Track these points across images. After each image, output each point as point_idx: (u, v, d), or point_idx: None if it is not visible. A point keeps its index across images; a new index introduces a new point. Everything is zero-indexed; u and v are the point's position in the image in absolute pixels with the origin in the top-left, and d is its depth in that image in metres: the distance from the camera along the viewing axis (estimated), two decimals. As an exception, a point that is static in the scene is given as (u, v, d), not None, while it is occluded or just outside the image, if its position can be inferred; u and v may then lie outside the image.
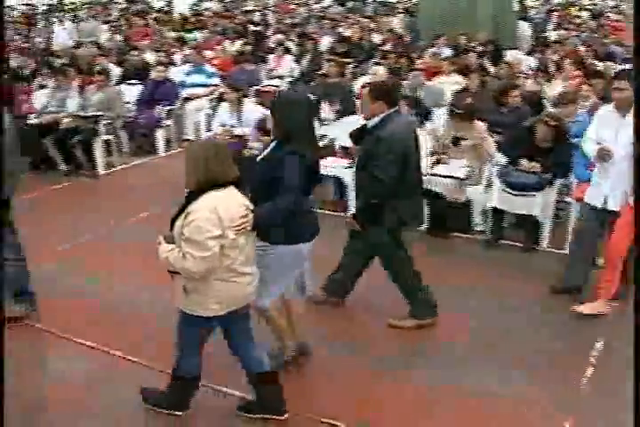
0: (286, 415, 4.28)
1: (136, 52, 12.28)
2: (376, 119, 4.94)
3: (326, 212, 7.62)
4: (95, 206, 8.04)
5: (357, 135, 5.25)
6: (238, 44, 15.08)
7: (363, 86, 5.03)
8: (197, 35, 17.92)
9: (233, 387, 4.55)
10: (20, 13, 27.45)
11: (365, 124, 5.12)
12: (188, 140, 9.61)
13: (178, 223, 3.76)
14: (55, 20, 20.90)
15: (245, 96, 9.07)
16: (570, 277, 5.84)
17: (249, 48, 14.00)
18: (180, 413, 4.28)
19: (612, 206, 5.43)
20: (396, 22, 19.24)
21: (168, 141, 10.85)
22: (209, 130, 9.07)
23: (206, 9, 25.22)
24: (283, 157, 4.19)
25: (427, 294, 5.36)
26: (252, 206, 3.95)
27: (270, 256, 4.30)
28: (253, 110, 8.36)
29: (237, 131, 8.30)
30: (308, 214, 4.47)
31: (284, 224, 4.23)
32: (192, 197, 3.76)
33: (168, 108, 10.60)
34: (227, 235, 3.72)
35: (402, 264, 5.29)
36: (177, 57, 13.67)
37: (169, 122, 10.78)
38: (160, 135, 10.60)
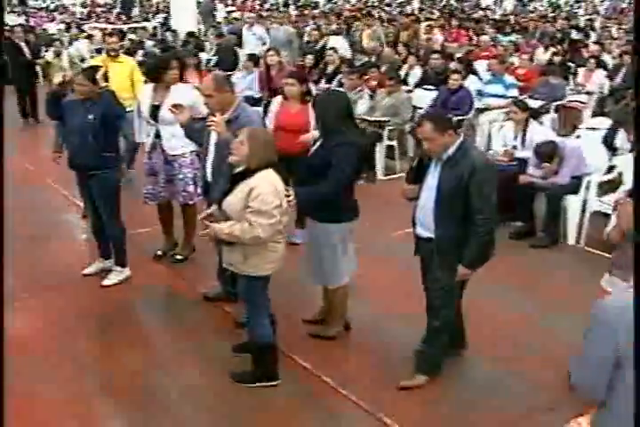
0: (279, 381, 4.71)
1: (436, 55, 12.09)
2: (451, 150, 4.39)
3: (589, 249, 7.21)
4: (364, 212, 8.05)
5: (415, 174, 4.63)
6: (550, 52, 14.35)
7: (417, 126, 4.55)
8: (514, 38, 17.39)
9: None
10: (352, 6, 28.92)
11: (422, 161, 4.57)
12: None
13: (233, 200, 4.31)
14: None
15: (535, 117, 8.59)
16: None
17: (558, 58, 13.22)
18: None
19: None
20: None
21: (455, 151, 10.62)
22: (488, 148, 8.70)
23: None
24: (336, 146, 4.74)
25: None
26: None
27: (319, 232, 4.98)
28: (539, 133, 7.90)
29: (519, 153, 7.86)
30: (352, 197, 5.06)
31: (333, 205, 4.84)
32: (244, 175, 4.32)
33: (460, 117, 10.42)
34: (283, 204, 4.37)
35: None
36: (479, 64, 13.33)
37: (459, 131, 10.52)
38: (447, 144, 10.40)
